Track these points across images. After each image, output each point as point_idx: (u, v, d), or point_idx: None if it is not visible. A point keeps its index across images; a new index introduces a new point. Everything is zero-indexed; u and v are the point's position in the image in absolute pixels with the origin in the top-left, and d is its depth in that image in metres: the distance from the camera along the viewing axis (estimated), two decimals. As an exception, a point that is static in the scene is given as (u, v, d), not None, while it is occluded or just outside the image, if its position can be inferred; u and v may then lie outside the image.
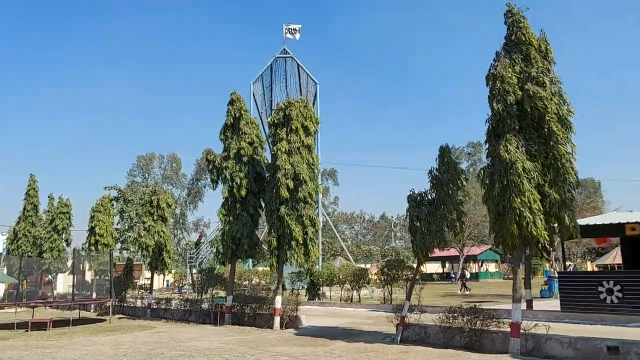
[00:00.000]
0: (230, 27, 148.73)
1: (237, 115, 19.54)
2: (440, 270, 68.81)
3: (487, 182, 11.33)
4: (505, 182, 10.76)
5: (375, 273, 25.68)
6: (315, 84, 37.17)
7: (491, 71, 11.58)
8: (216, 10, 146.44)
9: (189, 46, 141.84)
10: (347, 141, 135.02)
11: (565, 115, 10.88)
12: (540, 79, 10.99)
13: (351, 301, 25.75)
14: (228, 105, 19.95)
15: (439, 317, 12.75)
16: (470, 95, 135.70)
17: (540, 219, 10.53)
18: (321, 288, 28.18)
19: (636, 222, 15.21)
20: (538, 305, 19.77)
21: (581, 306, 15.96)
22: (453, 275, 57.97)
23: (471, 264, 67.56)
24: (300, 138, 17.50)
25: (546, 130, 10.83)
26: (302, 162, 17.22)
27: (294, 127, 17.46)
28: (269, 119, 19.20)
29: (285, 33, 37.83)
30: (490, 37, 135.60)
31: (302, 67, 37.82)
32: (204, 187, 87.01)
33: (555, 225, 11.03)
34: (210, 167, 19.54)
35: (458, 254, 56.04)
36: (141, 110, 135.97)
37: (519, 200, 10.46)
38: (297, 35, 38.03)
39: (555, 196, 10.68)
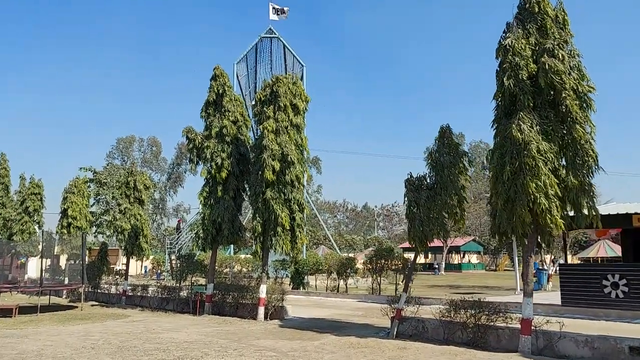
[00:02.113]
0: (213, 7, 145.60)
1: (220, 91, 18.23)
2: (422, 260, 68.33)
3: (497, 164, 10.28)
4: (517, 164, 9.74)
5: (363, 262, 24.73)
6: (302, 66, 35.86)
7: (502, 43, 10.51)
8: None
9: (170, 27, 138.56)
10: (331, 128, 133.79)
11: (584, 92, 9.87)
12: (557, 51, 9.95)
13: (337, 291, 24.79)
14: (211, 80, 18.62)
15: (440, 311, 11.77)
16: (460, 87, 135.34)
17: (556, 206, 9.56)
18: (306, 277, 27.16)
19: (644, 213, 14.45)
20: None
21: (584, 300, 15.15)
22: (437, 266, 57.49)
23: (453, 255, 67.26)
24: (288, 117, 16.31)
25: (563, 108, 9.82)
26: (290, 143, 16.06)
27: (282, 105, 16.25)
28: (254, 96, 17.94)
29: (272, 12, 36.36)
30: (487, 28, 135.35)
31: (288, 48, 36.46)
32: (185, 172, 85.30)
33: (571, 213, 10.06)
34: (190, 146, 18.22)
35: (442, 245, 55.42)
36: (122, 92, 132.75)
37: (534, 184, 9.46)
38: (285, 16, 36.61)
39: (573, 181, 9.70)
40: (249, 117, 19.92)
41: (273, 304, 16.21)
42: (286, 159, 15.69)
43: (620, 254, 46.68)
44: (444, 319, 11.73)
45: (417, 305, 12.62)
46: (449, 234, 12.66)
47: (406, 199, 12.71)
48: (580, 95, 9.83)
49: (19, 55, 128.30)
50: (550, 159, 9.64)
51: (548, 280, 29.58)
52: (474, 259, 70.62)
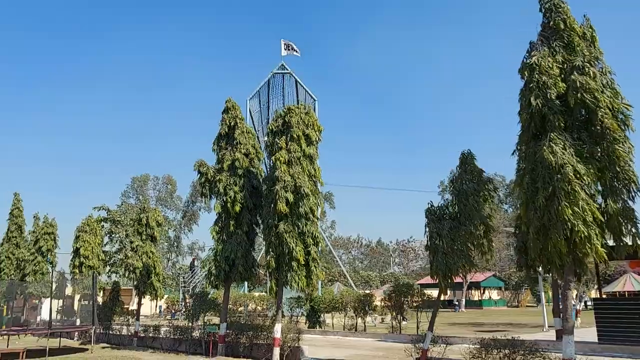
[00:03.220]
0: (227, 46, 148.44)
1: (232, 124, 17.87)
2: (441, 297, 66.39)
3: (527, 190, 9.55)
4: (551, 189, 9.00)
5: (382, 299, 23.70)
6: (314, 100, 35.68)
7: (527, 61, 9.94)
8: (213, 29, 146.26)
9: (184, 66, 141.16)
10: (343, 164, 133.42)
11: (620, 109, 9.19)
12: (588, 68, 9.34)
13: (355, 330, 23.68)
14: (222, 113, 18.30)
15: (470, 351, 10.84)
16: (472, 120, 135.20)
17: (595, 234, 8.75)
18: (322, 315, 26.11)
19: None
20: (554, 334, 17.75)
21: (623, 338, 14.04)
22: (457, 303, 55.74)
23: (473, 291, 65.31)
24: (301, 147, 15.78)
25: (599, 127, 9.13)
26: (303, 174, 15.47)
27: (294, 136, 15.75)
28: (267, 127, 17.52)
29: (284, 48, 36.50)
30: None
31: (299, 83, 36.42)
32: (200, 209, 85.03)
33: (610, 241, 9.24)
34: (202, 180, 17.73)
35: (461, 280, 53.80)
36: (137, 132, 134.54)
37: (570, 210, 8.70)
38: (297, 52, 36.70)
39: (613, 206, 8.92)
40: (262, 149, 19.46)
41: (289, 344, 15.33)
42: (299, 191, 15.08)
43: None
44: (474, 359, 10.78)
45: (445, 345, 11.70)
46: (475, 266, 11.84)
47: (427, 230, 12.00)
48: (615, 114, 9.14)
49: (30, 95, 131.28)
50: (587, 183, 8.90)
51: (576, 316, 28.16)
52: (494, 295, 68.44)
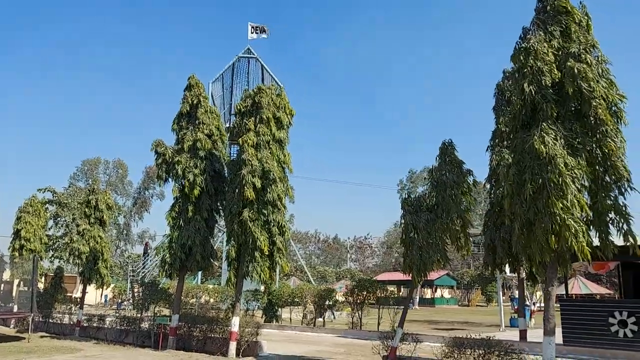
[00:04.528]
0: (189, 27, 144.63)
1: (194, 102, 16.72)
2: (395, 294, 66.71)
3: (514, 182, 9.01)
4: (540, 181, 8.47)
5: (343, 294, 23.09)
6: (280, 87, 34.54)
7: (522, 45, 9.40)
8: (172, 12, 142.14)
9: (143, 48, 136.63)
10: (301, 156, 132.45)
11: (614, 101, 8.77)
12: (584, 56, 8.88)
13: (314, 325, 22.98)
14: (184, 91, 17.12)
15: (442, 350, 10.27)
16: (425, 122, 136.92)
17: (583, 230, 8.28)
18: (280, 309, 25.27)
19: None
20: (513, 334, 17.58)
21: (588, 340, 13.86)
22: (411, 300, 55.99)
23: (426, 289, 65.91)
24: (271, 130, 14.89)
25: (592, 119, 8.68)
26: (272, 159, 14.60)
27: (264, 118, 14.84)
28: (235, 107, 16.49)
29: (251, 31, 35.28)
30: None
31: (266, 69, 35.31)
32: (152, 196, 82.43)
33: (598, 238, 8.81)
34: (160, 161, 16.51)
35: (416, 278, 54.07)
36: (90, 116, 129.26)
37: (560, 204, 8.18)
38: (265, 35, 35.55)
39: (604, 202, 8.48)
40: (226, 132, 18.41)
41: (246, 339, 14.44)
42: (267, 176, 14.21)
43: (593, 291, 46.14)
44: (446, 359, 10.22)
45: (415, 343, 11.11)
46: (450, 261, 11.30)
47: (403, 222, 11.37)
48: (610, 105, 8.71)
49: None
50: (578, 177, 8.42)
51: (531, 317, 28.46)
52: (446, 293, 69.36)
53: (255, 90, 15.47)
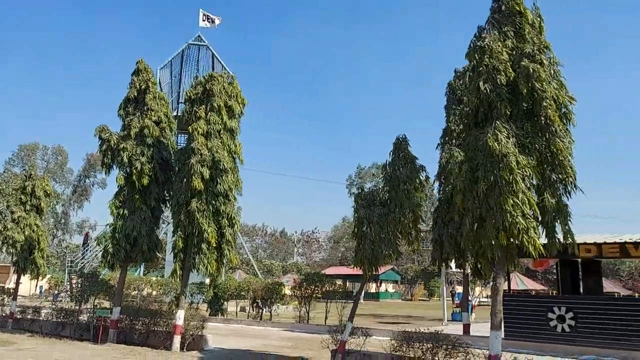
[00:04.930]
0: (138, 13, 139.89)
1: (142, 87, 16.03)
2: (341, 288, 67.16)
3: (466, 179, 9.11)
4: (492, 178, 8.59)
5: (290, 288, 22.95)
6: (232, 76, 33.92)
7: (477, 44, 9.49)
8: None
9: (91, 33, 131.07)
10: (255, 149, 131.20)
11: (565, 103, 9.00)
12: (538, 56, 9.07)
13: (260, 319, 22.73)
14: (132, 75, 16.38)
15: (391, 343, 10.30)
16: (386, 115, 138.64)
17: (533, 227, 8.48)
18: (225, 303, 24.84)
19: (594, 243, 13.93)
20: (458, 328, 18.00)
21: (529, 334, 14.34)
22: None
23: (370, 284, 66.76)
24: (222, 119, 14.52)
25: (543, 119, 8.87)
26: (222, 148, 14.25)
27: (215, 106, 14.46)
28: (185, 94, 15.97)
29: (202, 19, 34.39)
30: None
31: (217, 57, 34.55)
32: (93, 185, 79.33)
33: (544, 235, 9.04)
34: (104, 147, 15.73)
35: (361, 273, 54.64)
36: (31, 101, 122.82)
37: (511, 201, 8.33)
38: (215, 25, 34.75)
39: (550, 200, 8.70)
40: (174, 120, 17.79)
41: (191, 333, 14.06)
42: (217, 166, 13.85)
43: (529, 287, 48.09)
44: (395, 353, 10.27)
45: (364, 337, 11.11)
46: (401, 255, 11.38)
47: (356, 215, 11.33)
48: (559, 107, 8.94)
49: None
50: (528, 175, 8.60)
51: (472, 311, 29.27)
52: (390, 287, 70.55)
53: (206, 77, 15.04)
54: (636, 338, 13.08)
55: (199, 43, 34.31)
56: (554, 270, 47.82)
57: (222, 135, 14.42)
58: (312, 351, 13.75)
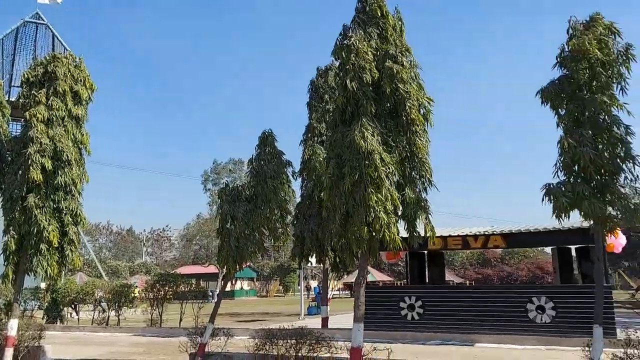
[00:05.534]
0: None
1: (-32, 64, 13.77)
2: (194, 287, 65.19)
3: (333, 175, 9.21)
4: (358, 175, 8.77)
5: (140, 290, 21.52)
6: (80, 59, 30.87)
7: (344, 42, 9.63)
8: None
9: None
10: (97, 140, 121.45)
11: (424, 103, 9.51)
12: (400, 58, 9.48)
13: (107, 324, 20.96)
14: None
15: (255, 343, 10.05)
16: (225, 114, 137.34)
17: (394, 222, 8.84)
18: (65, 309, 22.49)
19: (440, 237, 15.05)
20: (315, 322, 18.47)
21: (384, 323, 15.04)
22: (210, 294, 55.31)
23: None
24: (66, 105, 12.98)
25: (405, 118, 9.28)
26: (66, 137, 12.74)
27: (59, 90, 12.89)
28: (22, 76, 14.00)
29: (42, -4, 30.83)
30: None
31: (58, 39, 31.25)
32: None
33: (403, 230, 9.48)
34: None
35: (217, 271, 53.55)
36: None
37: (375, 197, 8.58)
38: (59, 1, 31.35)
39: (410, 196, 9.14)
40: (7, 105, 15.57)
41: (26, 344, 12.42)
42: (60, 157, 12.36)
43: (377, 279, 51.17)
44: (258, 352, 10.04)
45: (226, 338, 10.71)
46: (266, 252, 11.21)
47: (220, 212, 10.89)
48: (419, 107, 9.43)
49: None
50: (392, 172, 8.93)
51: (327, 304, 30.15)
52: (245, 285, 70.32)
53: (48, 57, 13.38)
54: (474, 322, 14.44)
55: (37, 21, 30.71)
56: (400, 263, 51.59)
57: (66, 123, 12.90)
58: (168, 356, 12.97)
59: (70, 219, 12.63)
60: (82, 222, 13.08)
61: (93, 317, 22.00)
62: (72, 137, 13.04)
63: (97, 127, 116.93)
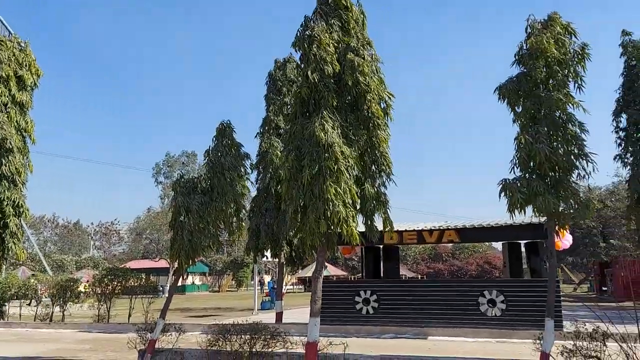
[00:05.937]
0: None
1: None
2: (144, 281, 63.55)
3: (292, 167, 9.05)
4: (317, 168, 8.65)
5: (88, 285, 20.73)
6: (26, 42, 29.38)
7: (306, 33, 9.47)
8: None
9: None
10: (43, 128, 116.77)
11: (384, 97, 9.48)
12: (362, 51, 9.41)
13: (51, 320, 20.07)
14: None
15: (208, 339, 9.78)
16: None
17: (353, 216, 8.77)
18: (5, 304, 21.43)
19: (396, 231, 15.14)
20: (269, 317, 18.32)
21: (339, 318, 15.02)
22: (161, 289, 54.11)
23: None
24: (10, 91, 12.36)
25: (366, 112, 9.22)
26: (9, 124, 12.13)
27: (2, 75, 12.25)
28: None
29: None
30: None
31: (2, 22, 29.52)
32: None
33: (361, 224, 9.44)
34: None
35: (168, 266, 52.43)
36: None
37: (334, 190, 8.49)
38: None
39: (370, 190, 9.09)
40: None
41: (-39, 344, 11.67)
42: (3, 145, 11.70)
43: (331, 273, 51.37)
44: (211, 348, 9.78)
45: (177, 334, 10.39)
46: (222, 246, 10.93)
47: (173, 204, 10.54)
48: (380, 101, 9.39)
49: None
50: (351, 165, 8.86)
51: (281, 299, 29.98)
52: (197, 280, 69.19)
53: (-10, 38, 12.61)
54: (428, 316, 14.64)
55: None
56: (355, 257, 51.97)
57: (9, 110, 12.29)
58: (116, 352, 12.51)
59: (11, 210, 12.06)
60: (24, 213, 12.48)
61: (36, 313, 21.05)
62: (16, 124, 12.44)
63: (43, 116, 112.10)
